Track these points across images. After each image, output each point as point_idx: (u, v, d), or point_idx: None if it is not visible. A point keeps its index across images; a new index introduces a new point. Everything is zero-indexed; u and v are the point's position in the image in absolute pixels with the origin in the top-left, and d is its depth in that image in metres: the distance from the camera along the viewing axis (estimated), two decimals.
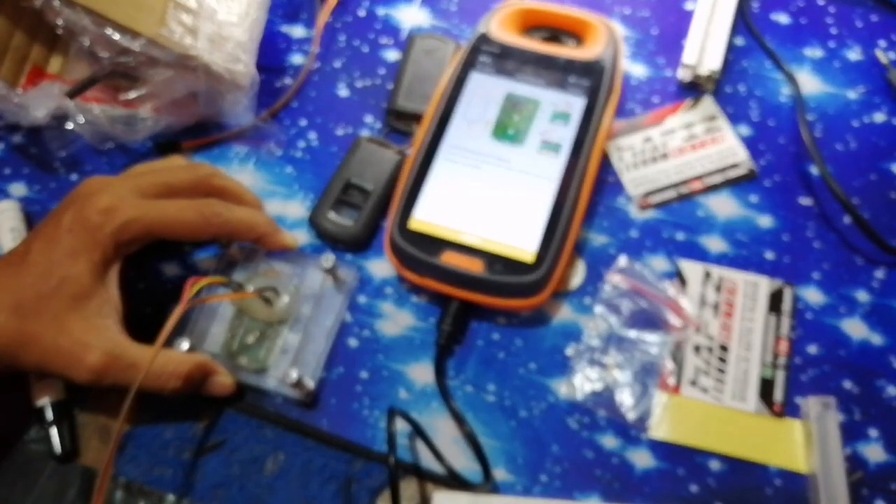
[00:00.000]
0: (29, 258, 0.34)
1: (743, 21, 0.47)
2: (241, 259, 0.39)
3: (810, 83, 0.45)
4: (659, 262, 0.40)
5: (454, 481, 0.35)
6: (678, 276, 0.40)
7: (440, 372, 0.37)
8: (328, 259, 0.38)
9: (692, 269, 0.40)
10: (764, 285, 0.39)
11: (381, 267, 0.41)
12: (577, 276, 0.40)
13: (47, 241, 0.34)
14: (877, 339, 0.38)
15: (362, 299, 0.40)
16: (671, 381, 0.37)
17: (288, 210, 0.43)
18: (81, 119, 0.41)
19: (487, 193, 0.39)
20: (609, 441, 0.36)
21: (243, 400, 0.38)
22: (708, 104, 0.44)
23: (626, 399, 0.37)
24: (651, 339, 0.38)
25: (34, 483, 0.36)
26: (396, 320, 0.39)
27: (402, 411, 0.34)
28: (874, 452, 0.36)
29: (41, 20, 0.44)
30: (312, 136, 0.45)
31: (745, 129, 0.44)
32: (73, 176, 0.44)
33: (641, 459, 0.36)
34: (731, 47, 0.46)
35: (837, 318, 0.39)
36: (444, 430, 0.37)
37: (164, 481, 0.36)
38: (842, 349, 0.38)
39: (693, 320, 0.38)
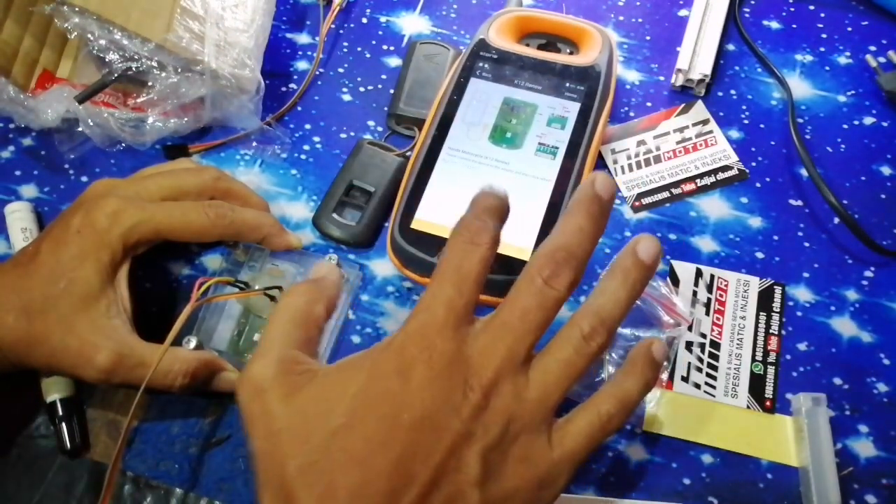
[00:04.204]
0: (38, 259, 0.35)
1: (735, 27, 0.48)
2: (247, 259, 0.40)
3: (801, 87, 0.46)
4: None
5: None
6: (671, 276, 0.41)
7: None
8: (331, 258, 0.39)
9: (684, 268, 0.41)
10: (755, 284, 0.40)
11: (383, 266, 0.42)
12: None
13: (56, 242, 0.35)
14: (866, 337, 0.39)
15: (365, 298, 0.41)
16: (664, 376, 0.38)
17: (292, 211, 0.43)
18: (90, 122, 0.42)
19: None
20: None
21: None
22: (700, 108, 0.45)
23: None
24: (645, 336, 0.39)
25: (43, 477, 0.37)
26: (398, 318, 0.40)
27: None
28: (864, 448, 0.36)
29: (50, 25, 0.45)
30: (316, 139, 0.46)
31: (736, 133, 0.45)
32: (83, 178, 0.45)
33: (636, 453, 0.37)
34: (723, 52, 0.47)
35: (828, 316, 0.40)
36: None
37: (171, 475, 0.37)
38: (832, 347, 0.39)
39: (685, 318, 0.39)
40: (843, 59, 0.47)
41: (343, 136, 0.46)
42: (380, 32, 0.49)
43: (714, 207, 0.43)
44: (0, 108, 0.41)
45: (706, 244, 0.42)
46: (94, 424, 0.38)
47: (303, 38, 0.49)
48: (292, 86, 0.47)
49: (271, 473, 0.26)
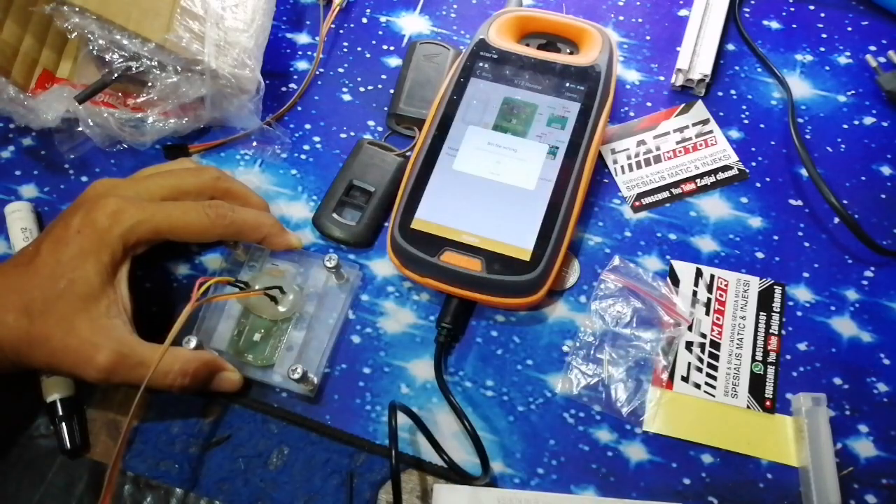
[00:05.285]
0: (38, 259, 0.35)
1: (735, 27, 0.48)
2: (247, 259, 0.40)
3: (801, 87, 0.46)
4: (652, 262, 0.41)
5: (454, 474, 0.35)
6: (671, 276, 0.41)
7: (440, 368, 0.38)
8: (331, 258, 0.38)
9: (684, 268, 0.41)
10: (755, 284, 0.40)
11: (383, 266, 0.42)
12: (573, 275, 0.41)
13: (56, 242, 0.35)
14: (866, 337, 0.39)
15: (365, 297, 0.41)
16: (664, 376, 0.38)
17: (292, 211, 0.43)
18: (90, 122, 0.42)
19: (486, 194, 0.40)
20: (604, 435, 0.37)
21: (248, 395, 0.38)
22: (700, 108, 0.45)
23: (620, 394, 0.38)
24: (645, 336, 0.39)
25: (43, 478, 0.37)
26: (398, 318, 0.40)
27: (403, 406, 0.35)
28: (864, 448, 0.36)
29: (50, 25, 0.45)
30: (316, 139, 0.46)
31: (736, 132, 0.45)
32: (83, 178, 0.45)
33: (636, 453, 0.37)
34: (723, 52, 0.47)
35: (827, 316, 0.40)
36: (443, 425, 0.37)
37: (171, 475, 0.37)
38: (832, 347, 0.39)
39: (685, 318, 0.39)
40: (843, 59, 0.47)
41: (343, 136, 0.46)
42: (380, 32, 0.49)
43: (714, 207, 0.43)
44: (0, 108, 0.41)
45: (706, 244, 0.42)
46: (94, 424, 0.38)
47: (303, 38, 0.49)
48: (292, 86, 0.47)
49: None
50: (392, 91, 0.46)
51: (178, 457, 0.37)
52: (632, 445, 0.37)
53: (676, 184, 0.43)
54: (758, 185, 0.43)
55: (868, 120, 0.45)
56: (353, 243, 0.42)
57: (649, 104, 0.46)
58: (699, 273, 0.41)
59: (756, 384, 0.38)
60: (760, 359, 0.39)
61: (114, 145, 0.45)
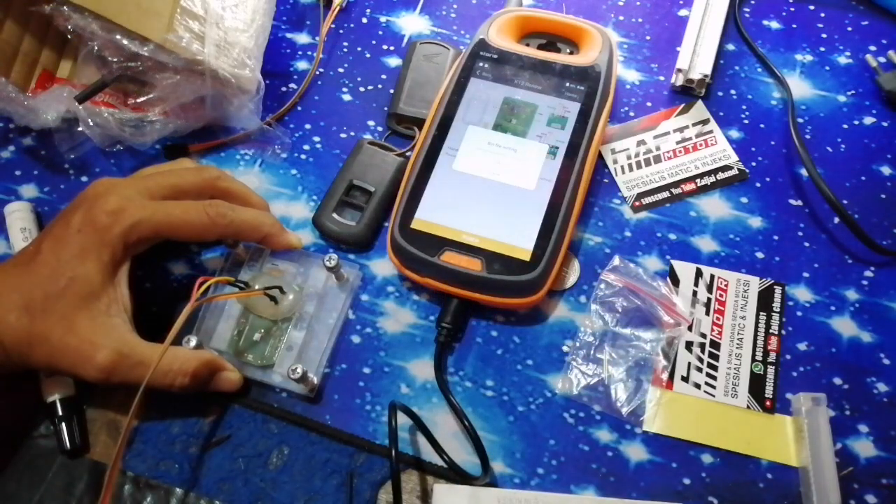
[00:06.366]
0: (39, 258, 0.35)
1: (735, 27, 0.48)
2: (247, 259, 0.40)
3: (801, 87, 0.46)
4: (652, 262, 0.41)
5: (454, 474, 0.35)
6: (671, 276, 0.41)
7: (440, 368, 0.38)
8: (331, 258, 0.38)
9: (684, 268, 0.41)
10: (755, 284, 0.40)
11: (383, 266, 0.42)
12: (573, 275, 0.41)
13: (57, 241, 0.35)
14: (866, 337, 0.39)
15: (365, 297, 0.41)
16: (664, 376, 0.38)
17: (292, 211, 0.43)
18: (91, 122, 0.42)
19: (486, 194, 0.40)
20: (604, 435, 0.37)
21: (248, 395, 0.38)
22: (700, 108, 0.45)
23: (620, 394, 0.38)
24: (645, 336, 0.39)
25: (43, 477, 0.37)
26: (398, 318, 0.40)
27: (403, 406, 0.35)
28: (864, 448, 0.36)
29: (50, 25, 0.45)
30: (316, 139, 0.46)
31: (736, 132, 0.45)
32: (83, 178, 0.45)
33: (635, 453, 0.37)
34: (723, 52, 0.47)
35: (828, 316, 0.40)
36: (443, 425, 0.37)
37: (171, 475, 0.37)
38: (832, 346, 0.39)
39: (685, 318, 0.39)
40: (843, 59, 0.47)
41: (343, 136, 0.46)
42: (380, 32, 0.49)
43: (714, 207, 0.43)
44: (0, 108, 0.41)
45: (706, 244, 0.42)
46: (94, 424, 0.38)
47: (303, 38, 0.49)
48: (292, 86, 0.47)
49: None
50: (392, 91, 0.46)
51: (178, 457, 0.37)
52: (632, 445, 0.37)
53: (676, 184, 0.43)
54: (758, 185, 0.43)
55: (868, 120, 0.45)
56: (353, 243, 0.42)
57: (649, 104, 0.46)
58: (699, 273, 0.41)
59: (756, 384, 0.38)
60: (760, 359, 0.39)
61: (114, 145, 0.45)
